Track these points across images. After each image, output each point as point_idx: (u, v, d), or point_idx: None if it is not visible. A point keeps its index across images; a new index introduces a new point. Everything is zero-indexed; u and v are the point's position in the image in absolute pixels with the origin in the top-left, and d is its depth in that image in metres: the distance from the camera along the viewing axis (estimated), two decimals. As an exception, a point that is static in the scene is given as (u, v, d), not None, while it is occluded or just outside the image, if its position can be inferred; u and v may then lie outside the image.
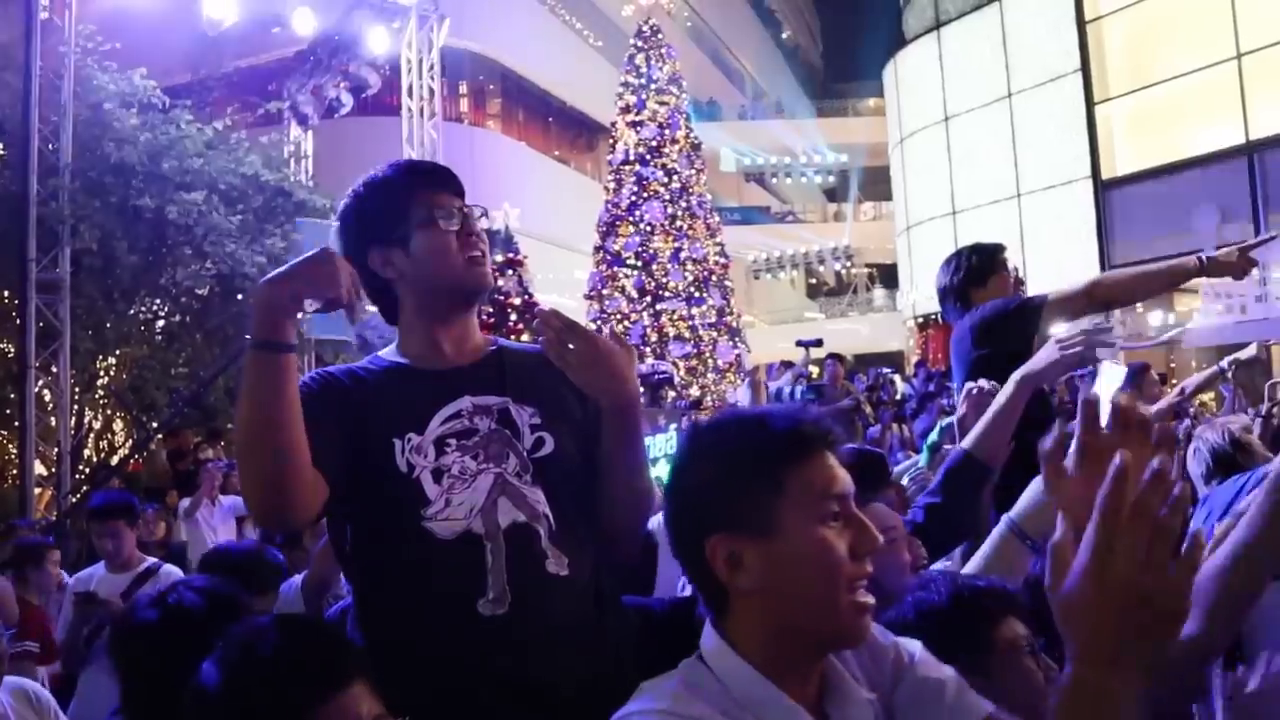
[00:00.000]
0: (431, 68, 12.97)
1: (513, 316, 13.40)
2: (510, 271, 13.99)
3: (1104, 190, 18.85)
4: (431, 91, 13.00)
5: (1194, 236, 16.87)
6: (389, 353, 1.85)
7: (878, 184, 32.28)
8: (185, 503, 6.95)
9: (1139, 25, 18.76)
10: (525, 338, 11.30)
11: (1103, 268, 18.80)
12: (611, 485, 1.74)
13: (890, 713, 1.24)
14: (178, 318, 10.97)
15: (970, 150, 21.30)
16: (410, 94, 12.89)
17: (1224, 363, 5.38)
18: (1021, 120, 20.26)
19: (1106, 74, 19.07)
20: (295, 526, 1.92)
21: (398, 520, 1.66)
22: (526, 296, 14.24)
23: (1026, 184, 20.14)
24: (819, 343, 8.50)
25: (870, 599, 1.17)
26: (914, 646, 1.29)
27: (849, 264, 34.69)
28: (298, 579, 3.54)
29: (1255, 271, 11.35)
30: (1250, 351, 5.30)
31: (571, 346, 1.65)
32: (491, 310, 14.59)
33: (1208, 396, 9.35)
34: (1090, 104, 19.04)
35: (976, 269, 3.50)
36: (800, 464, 1.17)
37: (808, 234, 34.45)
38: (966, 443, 2.39)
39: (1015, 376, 2.41)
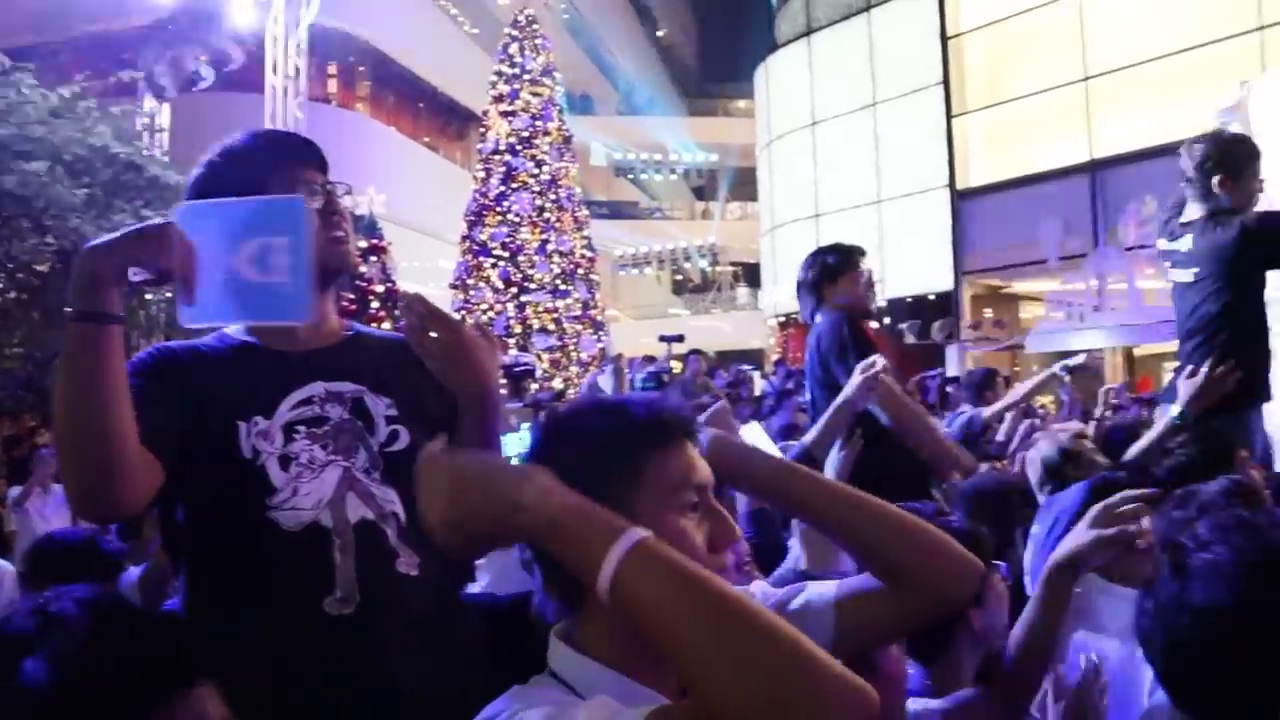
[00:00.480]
0: (299, 45, 12.61)
1: (374, 304, 13.12)
2: (373, 258, 13.68)
3: (959, 200, 19.60)
4: (298, 70, 12.65)
5: (1039, 247, 17.74)
6: (236, 330, 1.73)
7: (746, 184, 32.82)
8: (15, 491, 6.60)
9: (996, 43, 19.55)
10: (387, 326, 11.10)
11: (956, 274, 19.55)
12: None
13: None
14: (14, 294, 10.38)
15: (835, 155, 21.84)
16: (275, 71, 12.51)
17: (1056, 367, 5.68)
18: (885, 129, 20.88)
19: (965, 88, 19.82)
20: (118, 515, 1.80)
21: (239, 509, 1.57)
22: (389, 284, 13.96)
23: (887, 190, 20.77)
24: (680, 338, 8.61)
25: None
26: (754, 587, 1.32)
27: (714, 262, 35.18)
28: (135, 572, 3.38)
29: (1093, 281, 12.00)
30: (1079, 359, 5.61)
31: (434, 335, 1.58)
32: (353, 297, 14.27)
33: (1048, 399, 9.81)
34: (949, 116, 19.76)
35: (830, 267, 3.69)
36: (660, 452, 1.15)
37: (675, 231, 34.79)
38: (808, 438, 2.67)
39: (836, 403, 2.78)
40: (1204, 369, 3.20)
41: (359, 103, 26.63)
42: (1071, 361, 5.61)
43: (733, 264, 36.25)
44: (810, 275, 3.75)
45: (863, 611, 1.27)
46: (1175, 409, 3.36)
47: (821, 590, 1.29)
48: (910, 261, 20.06)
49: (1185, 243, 3.77)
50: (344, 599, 1.54)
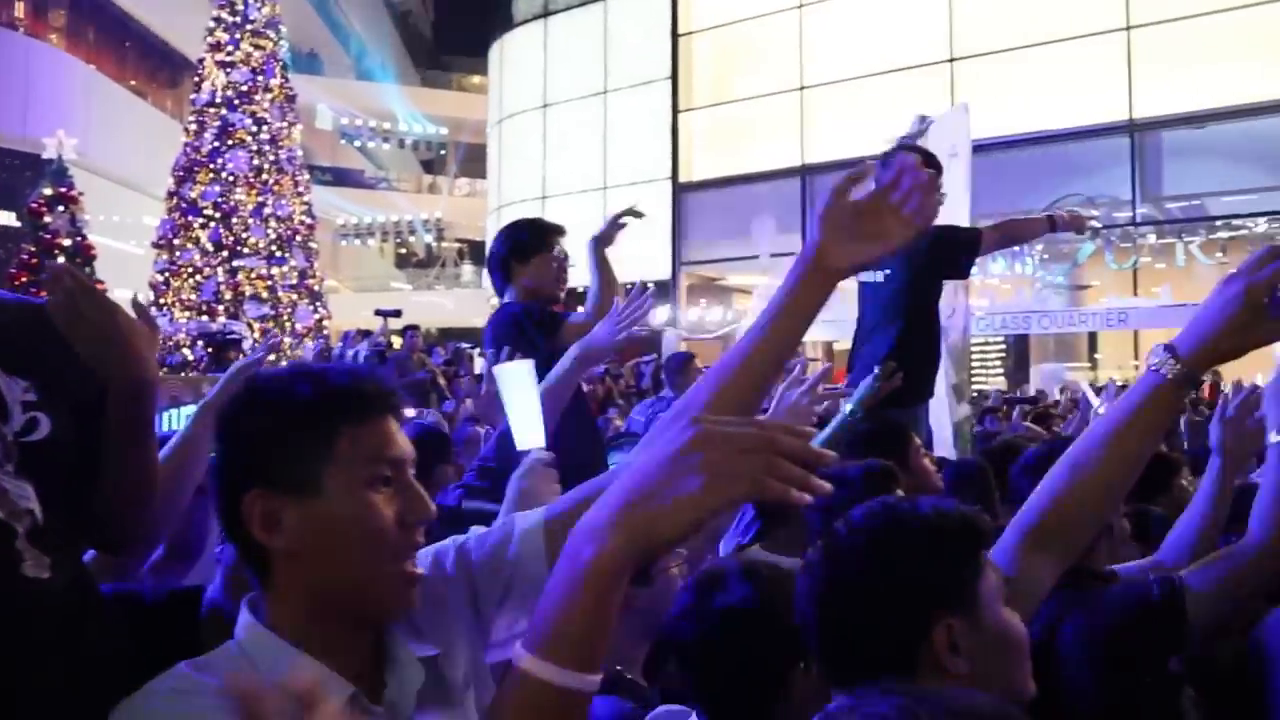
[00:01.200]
0: (-21, -37, 11.30)
1: (60, 258, 12.03)
2: (61, 207, 12.55)
3: (680, 192, 20.32)
4: (-22, -9, 11.32)
5: (752, 242, 18.73)
6: None
7: (476, 161, 32.56)
8: None
9: (723, 45, 20.38)
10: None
11: (674, 263, 20.28)
12: (114, 472, 1.51)
13: (483, 619, 1.27)
14: None
15: (564, 139, 22.07)
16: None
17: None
18: (614, 117, 21.30)
19: (692, 85, 20.55)
20: None
21: None
22: (79, 238, 12.86)
23: (613, 178, 21.22)
24: (398, 313, 8.44)
25: (420, 570, 1.15)
26: (462, 539, 1.32)
27: (440, 237, 34.69)
28: None
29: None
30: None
31: (84, 315, 1.41)
32: (34, 249, 13.06)
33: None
34: (675, 111, 20.43)
35: (523, 244, 3.51)
36: (354, 423, 1.12)
37: (401, 203, 34.01)
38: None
39: (574, 351, 2.54)
40: (877, 368, 3.47)
41: (52, 33, 24.22)
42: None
43: (458, 240, 35.85)
44: (501, 250, 3.54)
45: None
46: (848, 406, 3.64)
47: (530, 518, 1.32)
48: (632, 249, 20.56)
49: None
50: None
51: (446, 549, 1.31)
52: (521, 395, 2.31)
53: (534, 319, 3.32)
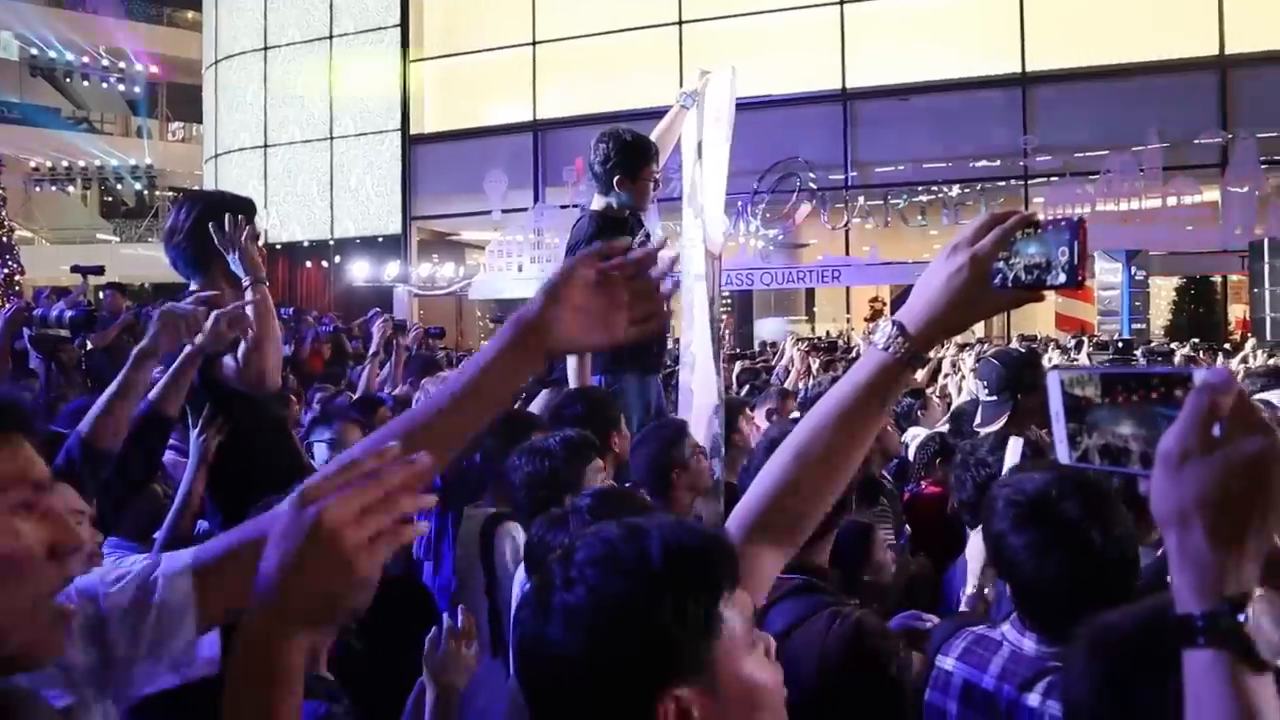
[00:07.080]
0: None
1: None
2: None
3: (411, 145, 19.81)
4: None
5: (485, 198, 18.59)
6: None
7: (189, 103, 30.38)
8: None
9: (454, -5, 19.97)
10: None
11: (405, 218, 19.82)
12: None
13: (118, 664, 1.18)
14: None
15: (288, 85, 20.97)
16: None
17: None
18: (341, 64, 20.44)
19: (423, 35, 20.00)
20: None
21: None
22: None
23: (340, 128, 20.41)
24: (100, 270, 7.72)
25: (71, 605, 1.06)
26: (83, 580, 1.21)
27: (151, 185, 32.19)
28: None
29: (532, 235, 12.92)
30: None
31: None
32: None
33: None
34: (405, 60, 19.84)
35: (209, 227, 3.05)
36: None
37: (106, 146, 31.25)
38: (153, 394, 2.61)
39: (134, 353, 2.50)
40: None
41: None
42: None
43: (172, 189, 33.47)
44: (184, 228, 3.14)
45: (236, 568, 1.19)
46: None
47: (177, 560, 1.22)
48: (361, 200, 20.01)
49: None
50: None
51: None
52: None
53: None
